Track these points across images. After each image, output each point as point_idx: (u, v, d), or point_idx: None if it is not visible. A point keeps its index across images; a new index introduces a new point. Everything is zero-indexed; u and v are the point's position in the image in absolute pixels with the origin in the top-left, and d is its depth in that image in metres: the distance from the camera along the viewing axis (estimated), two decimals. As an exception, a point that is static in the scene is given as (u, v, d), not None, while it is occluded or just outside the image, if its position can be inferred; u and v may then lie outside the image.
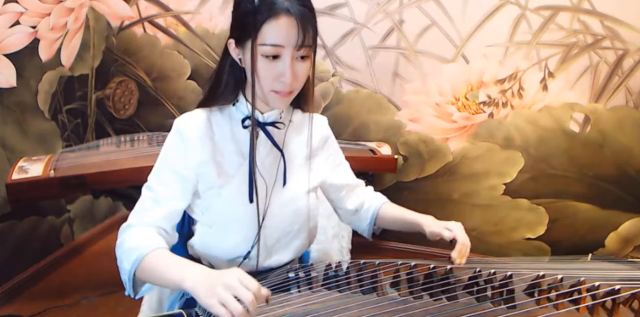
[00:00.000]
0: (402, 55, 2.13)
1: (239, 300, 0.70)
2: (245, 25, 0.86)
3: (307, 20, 0.86)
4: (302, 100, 1.01)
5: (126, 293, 0.88)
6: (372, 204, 1.18)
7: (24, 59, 1.98)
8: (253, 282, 0.72)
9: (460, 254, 0.97)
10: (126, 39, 2.45)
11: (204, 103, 0.99)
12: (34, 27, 2.00)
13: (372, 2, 2.09)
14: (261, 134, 0.99)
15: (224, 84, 0.96)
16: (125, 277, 0.86)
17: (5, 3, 1.86)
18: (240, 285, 0.71)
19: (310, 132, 1.05)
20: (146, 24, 2.41)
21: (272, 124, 0.99)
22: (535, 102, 2.04)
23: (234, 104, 0.98)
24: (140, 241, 0.88)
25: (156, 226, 0.92)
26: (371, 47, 2.15)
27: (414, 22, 2.07)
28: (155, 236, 0.90)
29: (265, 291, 0.73)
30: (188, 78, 2.43)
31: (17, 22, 1.92)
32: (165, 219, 0.93)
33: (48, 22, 2.07)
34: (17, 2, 1.91)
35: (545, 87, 2.02)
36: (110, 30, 2.45)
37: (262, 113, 0.97)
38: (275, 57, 0.87)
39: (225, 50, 0.95)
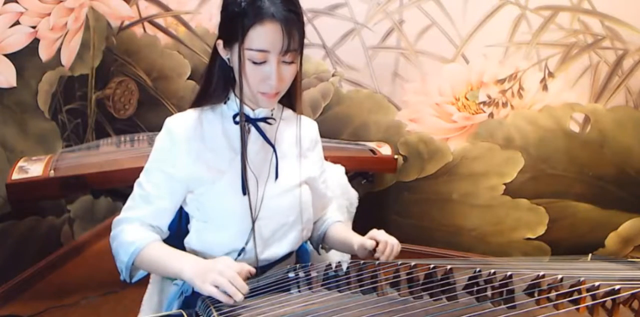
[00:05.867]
0: (402, 55, 2.13)
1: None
2: (232, 28, 0.88)
3: (292, 26, 0.87)
4: (291, 100, 1.04)
5: (121, 278, 0.97)
6: (325, 221, 1.17)
7: (24, 59, 1.98)
8: (237, 265, 0.84)
9: (382, 250, 0.98)
10: (126, 39, 2.45)
11: (197, 103, 1.02)
12: (34, 27, 2.00)
13: (372, 2, 2.09)
14: (253, 130, 1.01)
15: (214, 83, 0.99)
16: (122, 266, 0.96)
17: (5, 3, 1.86)
18: (228, 268, 0.82)
19: (299, 131, 1.07)
20: (146, 24, 2.41)
21: (263, 119, 1.01)
22: (535, 102, 2.04)
23: (225, 102, 1.01)
24: (136, 234, 0.96)
25: (147, 223, 0.99)
26: (371, 47, 2.15)
27: (414, 22, 2.07)
28: (148, 230, 0.98)
29: (247, 268, 0.86)
30: (188, 78, 2.43)
31: (17, 22, 1.92)
32: (153, 217, 0.99)
33: (48, 22, 2.07)
34: (17, 2, 1.91)
35: (545, 87, 2.02)
36: (110, 30, 2.45)
37: (252, 110, 1.00)
38: (261, 61, 0.89)
39: (215, 50, 0.97)
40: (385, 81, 2.18)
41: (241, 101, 0.96)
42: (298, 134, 1.07)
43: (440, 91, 2.14)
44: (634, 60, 1.90)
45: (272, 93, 0.93)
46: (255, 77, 0.90)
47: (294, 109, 1.08)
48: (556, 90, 2.01)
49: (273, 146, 1.02)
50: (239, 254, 1.00)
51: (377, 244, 1.00)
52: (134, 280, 0.99)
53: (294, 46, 0.88)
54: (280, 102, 1.01)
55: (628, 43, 1.88)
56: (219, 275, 0.81)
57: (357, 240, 1.04)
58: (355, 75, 2.21)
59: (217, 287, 0.81)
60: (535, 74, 2.01)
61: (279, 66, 0.90)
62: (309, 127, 1.13)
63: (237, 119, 0.99)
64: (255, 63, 0.89)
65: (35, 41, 2.03)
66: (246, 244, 1.00)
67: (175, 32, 2.38)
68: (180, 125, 0.98)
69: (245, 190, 0.98)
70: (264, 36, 0.86)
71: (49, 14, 2.07)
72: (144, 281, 1.03)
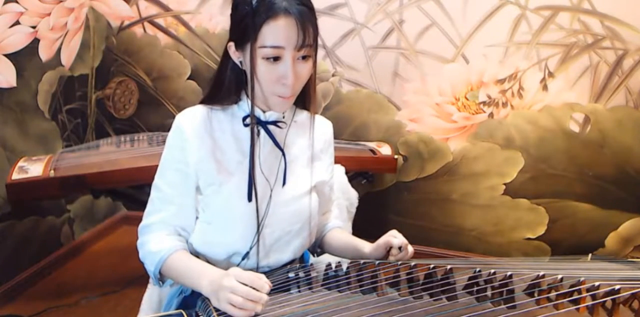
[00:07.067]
0: (402, 55, 2.13)
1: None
2: (244, 28, 0.86)
3: (306, 20, 0.85)
4: (305, 100, 1.00)
5: (154, 284, 1.00)
6: (325, 226, 1.15)
7: (24, 59, 1.98)
8: (249, 278, 0.80)
9: (402, 256, 0.95)
10: (126, 39, 2.45)
11: (206, 102, 0.99)
12: (34, 27, 2.00)
13: (372, 2, 2.09)
14: (262, 133, 0.99)
15: (225, 86, 0.97)
16: (150, 274, 0.98)
17: (5, 3, 1.86)
18: (238, 284, 0.79)
19: (312, 132, 1.05)
20: (146, 24, 2.41)
21: (274, 123, 0.99)
22: (535, 102, 2.04)
23: (236, 103, 0.99)
24: (160, 244, 0.96)
25: (172, 225, 0.98)
26: (371, 47, 2.15)
27: (414, 22, 2.07)
28: (172, 237, 0.98)
29: (263, 279, 0.81)
30: (188, 78, 2.43)
31: (17, 22, 1.92)
32: (177, 217, 0.98)
33: (48, 22, 2.07)
34: (17, 2, 1.91)
35: (545, 87, 2.02)
36: (110, 30, 2.45)
37: (263, 112, 0.97)
38: (276, 59, 0.86)
39: (226, 53, 0.95)
40: (385, 81, 2.18)
41: (252, 104, 0.94)
42: (311, 136, 1.05)
43: (440, 91, 2.14)
44: (634, 60, 1.90)
45: (288, 96, 0.90)
46: (270, 77, 0.88)
47: (308, 109, 1.04)
48: (556, 90, 2.01)
49: (282, 151, 1.00)
50: (243, 259, 1.00)
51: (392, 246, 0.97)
52: (165, 285, 1.01)
53: (309, 41, 0.86)
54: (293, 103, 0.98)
55: (628, 43, 1.88)
56: (232, 293, 0.78)
57: (367, 243, 1.01)
58: (355, 75, 2.21)
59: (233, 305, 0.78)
60: (535, 74, 2.01)
61: (295, 64, 0.87)
62: (324, 127, 1.10)
63: (247, 121, 0.96)
64: (269, 62, 0.86)
65: (35, 41, 2.03)
66: (250, 249, 0.99)
67: (175, 32, 2.38)
68: (189, 120, 0.96)
69: (251, 196, 0.96)
70: (278, 32, 0.84)
71: (49, 14, 2.07)
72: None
